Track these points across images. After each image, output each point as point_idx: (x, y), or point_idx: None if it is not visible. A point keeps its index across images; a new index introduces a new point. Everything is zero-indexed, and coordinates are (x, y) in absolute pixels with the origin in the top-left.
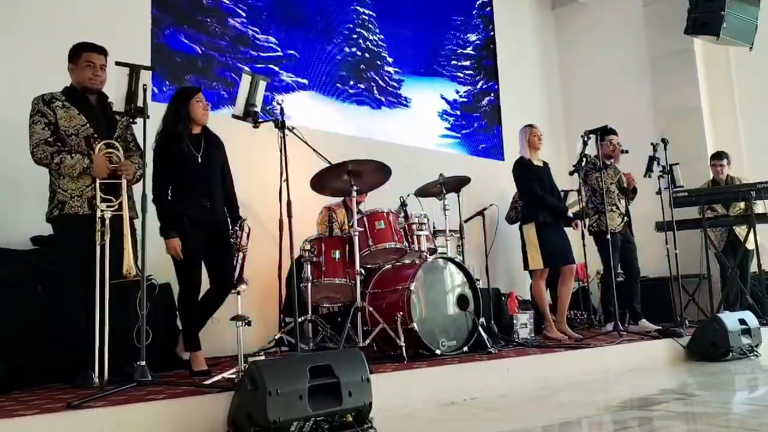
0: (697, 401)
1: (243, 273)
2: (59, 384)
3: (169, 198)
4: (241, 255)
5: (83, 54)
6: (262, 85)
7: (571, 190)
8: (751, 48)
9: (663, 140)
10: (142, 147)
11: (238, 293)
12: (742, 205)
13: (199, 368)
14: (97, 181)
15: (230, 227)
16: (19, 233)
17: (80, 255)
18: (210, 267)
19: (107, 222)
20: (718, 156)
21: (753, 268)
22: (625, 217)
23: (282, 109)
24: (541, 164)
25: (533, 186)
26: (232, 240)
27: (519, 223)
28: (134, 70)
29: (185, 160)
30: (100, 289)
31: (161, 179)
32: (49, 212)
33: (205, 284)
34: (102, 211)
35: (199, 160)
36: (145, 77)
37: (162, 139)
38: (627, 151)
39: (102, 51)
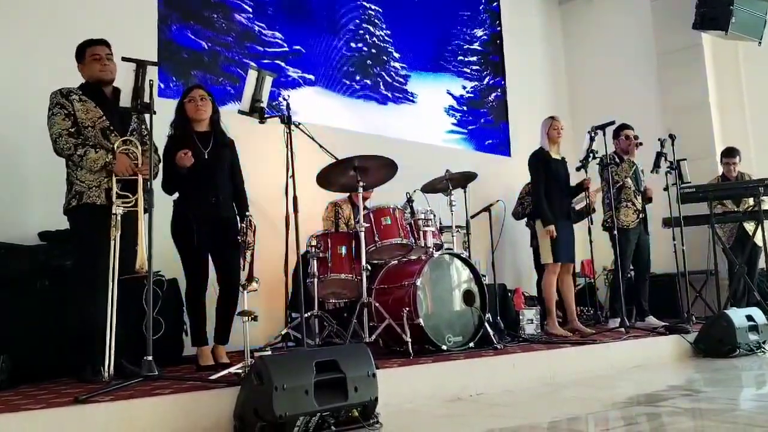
0: (704, 397)
1: (253, 271)
2: (65, 378)
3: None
4: (249, 252)
5: (86, 50)
6: (268, 80)
7: None
8: (759, 43)
9: (670, 136)
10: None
11: (247, 291)
12: (751, 201)
13: (206, 363)
14: (114, 177)
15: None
16: (27, 228)
17: (96, 246)
18: (217, 264)
19: (118, 218)
20: (730, 153)
21: (761, 264)
22: (641, 214)
23: (288, 105)
24: (559, 158)
25: (539, 186)
26: (240, 237)
27: (529, 218)
28: (141, 66)
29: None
30: (112, 284)
31: (168, 177)
32: (67, 203)
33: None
34: (117, 207)
35: (206, 157)
36: (152, 73)
37: (168, 138)
38: (642, 144)
39: (103, 42)
